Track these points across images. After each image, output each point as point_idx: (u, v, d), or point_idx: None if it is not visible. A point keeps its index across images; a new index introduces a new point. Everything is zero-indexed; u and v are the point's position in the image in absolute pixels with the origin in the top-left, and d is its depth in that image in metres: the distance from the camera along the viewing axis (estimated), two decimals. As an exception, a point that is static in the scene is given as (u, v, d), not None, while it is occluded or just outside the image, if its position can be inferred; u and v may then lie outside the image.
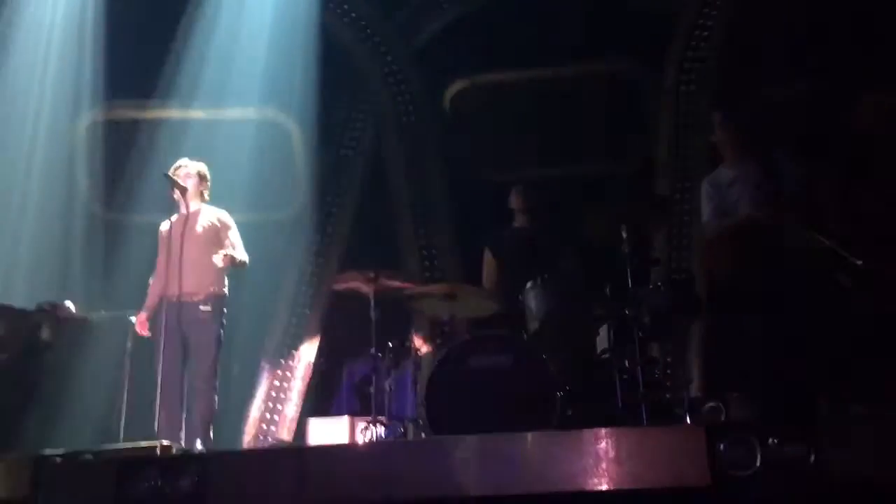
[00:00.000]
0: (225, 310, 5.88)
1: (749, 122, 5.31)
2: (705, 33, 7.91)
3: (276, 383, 7.86)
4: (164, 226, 5.99)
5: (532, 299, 5.29)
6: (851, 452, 3.40)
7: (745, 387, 5.29)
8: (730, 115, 5.24)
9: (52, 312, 6.13)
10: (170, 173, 5.87)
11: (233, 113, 8.32)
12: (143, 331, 5.89)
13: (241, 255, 5.91)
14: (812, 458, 3.37)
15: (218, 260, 5.70)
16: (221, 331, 5.82)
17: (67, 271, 7.76)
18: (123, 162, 8.36)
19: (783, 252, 4.80)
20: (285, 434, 7.70)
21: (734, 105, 5.50)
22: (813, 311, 4.64)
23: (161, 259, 5.92)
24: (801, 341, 4.58)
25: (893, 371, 4.71)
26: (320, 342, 8.07)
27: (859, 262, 4.53)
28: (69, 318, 6.22)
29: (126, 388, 6.31)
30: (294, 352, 7.98)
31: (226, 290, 5.90)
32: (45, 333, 6.05)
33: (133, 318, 6.14)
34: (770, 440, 3.42)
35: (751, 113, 5.42)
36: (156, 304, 5.85)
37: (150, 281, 5.99)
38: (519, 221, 6.28)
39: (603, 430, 3.60)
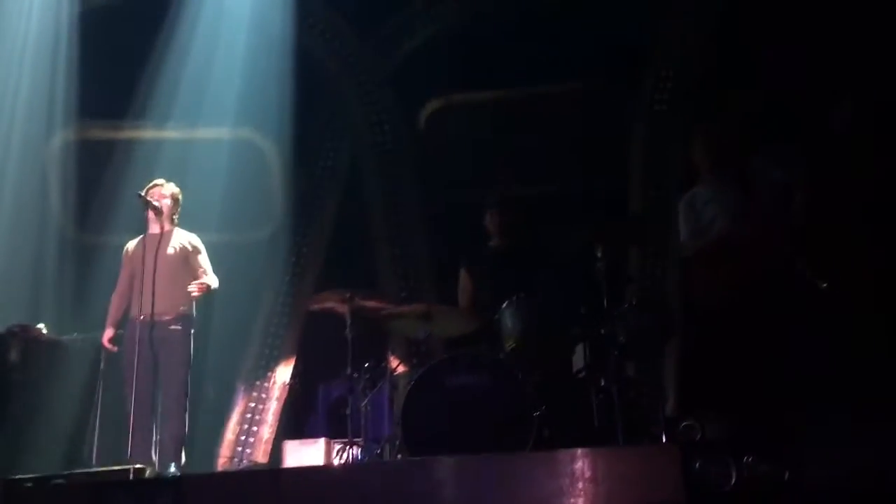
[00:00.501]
0: (193, 330, 5.87)
1: (726, 141, 5.34)
2: (681, 53, 7.98)
3: (252, 405, 7.80)
4: (132, 245, 6.00)
5: (508, 318, 5.29)
6: (826, 471, 3.42)
7: (721, 406, 5.31)
8: (707, 134, 5.28)
9: (22, 334, 6.06)
10: (143, 193, 5.86)
11: (207, 133, 8.28)
12: (111, 346, 5.88)
13: (213, 280, 5.96)
14: (787, 476, 3.38)
15: (193, 289, 5.72)
16: (191, 351, 5.80)
17: (39, 292, 7.67)
18: (97, 182, 8.30)
19: (760, 270, 4.83)
20: (260, 456, 7.64)
21: (711, 123, 5.54)
22: (788, 330, 4.67)
23: (124, 277, 5.96)
24: (777, 360, 4.61)
25: (869, 389, 4.74)
26: (296, 363, 8.02)
27: (824, 285, 4.57)
28: (40, 339, 6.16)
29: (98, 411, 6.25)
30: (269, 373, 7.92)
31: (194, 311, 5.90)
32: (15, 355, 5.98)
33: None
34: (745, 458, 3.43)
35: (728, 131, 5.46)
36: (118, 319, 5.94)
37: (112, 298, 6.00)
38: (495, 241, 6.28)
39: (579, 451, 3.60)
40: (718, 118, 7.33)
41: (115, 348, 5.88)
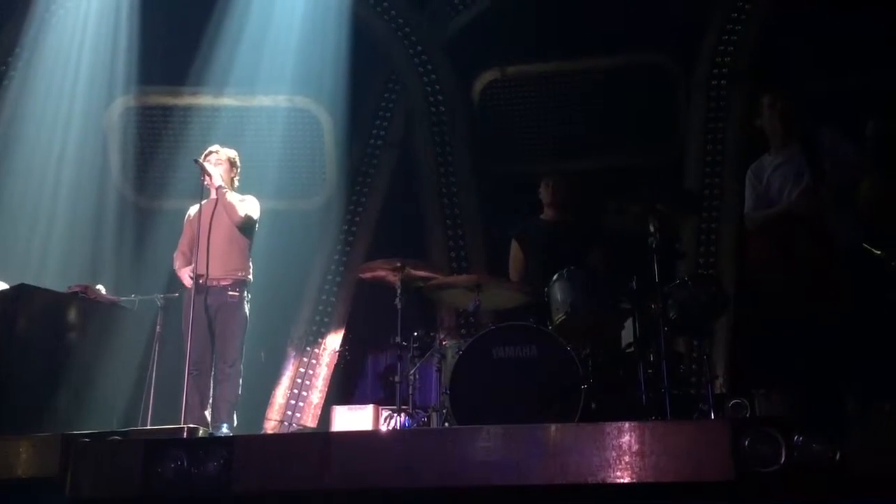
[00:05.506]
0: (249, 295, 5.93)
1: (797, 105, 5.12)
2: (738, 27, 7.83)
3: (302, 370, 7.91)
4: (193, 210, 6.06)
5: (558, 291, 5.28)
6: (877, 451, 3.36)
7: (772, 384, 5.24)
8: (778, 96, 5.10)
9: (82, 295, 6.20)
10: (200, 159, 5.93)
11: (264, 100, 8.37)
12: (188, 280, 5.86)
13: (245, 208, 5.89)
14: (837, 456, 3.34)
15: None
16: (247, 315, 5.87)
17: (99, 255, 7.85)
18: (155, 148, 8.45)
19: (823, 245, 4.70)
20: (310, 420, 7.76)
21: (782, 89, 5.33)
22: (846, 309, 4.58)
23: (183, 239, 6.03)
24: (831, 340, 4.53)
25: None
26: (346, 330, 8.10)
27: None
28: (100, 300, 6.30)
29: (154, 372, 6.40)
30: (320, 339, 8.02)
31: (251, 275, 5.96)
32: (75, 316, 6.12)
33: (160, 303, 6.36)
34: (795, 437, 3.38)
35: (798, 97, 5.24)
36: (187, 264, 5.93)
37: (174, 256, 6.07)
38: (547, 213, 6.26)
39: (627, 424, 3.59)
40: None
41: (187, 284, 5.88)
